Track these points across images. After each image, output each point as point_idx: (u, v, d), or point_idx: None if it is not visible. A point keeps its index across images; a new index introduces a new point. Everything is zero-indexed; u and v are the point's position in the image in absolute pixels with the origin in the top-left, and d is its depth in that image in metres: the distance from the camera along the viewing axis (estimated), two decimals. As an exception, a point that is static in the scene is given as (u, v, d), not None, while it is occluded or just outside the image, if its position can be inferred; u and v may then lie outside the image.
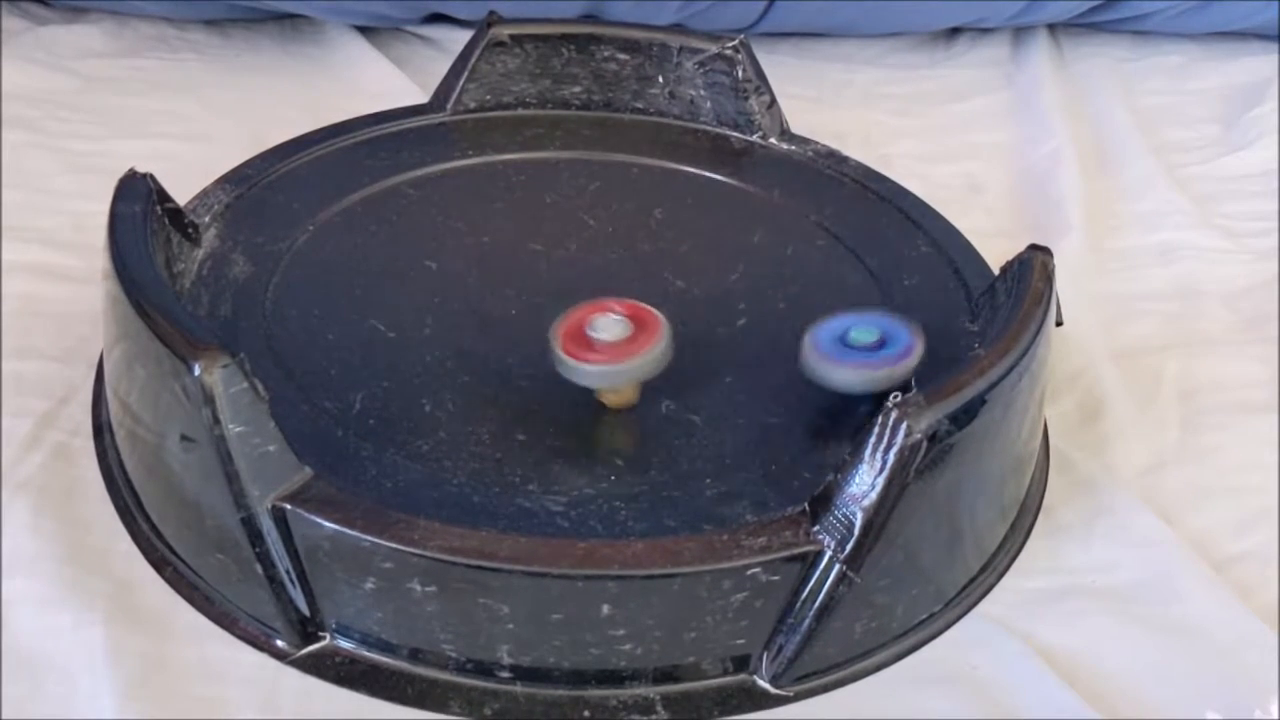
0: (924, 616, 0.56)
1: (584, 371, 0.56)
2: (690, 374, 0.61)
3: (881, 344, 0.58)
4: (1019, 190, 0.85)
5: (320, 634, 0.53)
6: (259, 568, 0.52)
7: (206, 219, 0.66)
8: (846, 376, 0.57)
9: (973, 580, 0.58)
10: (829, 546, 0.51)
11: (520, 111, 0.77)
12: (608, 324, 0.57)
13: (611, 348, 0.56)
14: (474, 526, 0.51)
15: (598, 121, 0.77)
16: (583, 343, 0.56)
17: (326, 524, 0.50)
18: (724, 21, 0.93)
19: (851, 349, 0.57)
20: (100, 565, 0.56)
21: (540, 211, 0.70)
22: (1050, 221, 0.81)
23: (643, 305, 0.58)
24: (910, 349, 0.57)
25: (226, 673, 0.52)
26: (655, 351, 0.56)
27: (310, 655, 0.53)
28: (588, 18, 0.90)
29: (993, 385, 0.54)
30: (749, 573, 0.51)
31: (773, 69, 0.78)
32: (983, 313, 0.64)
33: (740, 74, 0.76)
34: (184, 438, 0.52)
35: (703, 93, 0.77)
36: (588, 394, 0.59)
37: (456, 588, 0.50)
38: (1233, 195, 0.85)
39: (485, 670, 0.52)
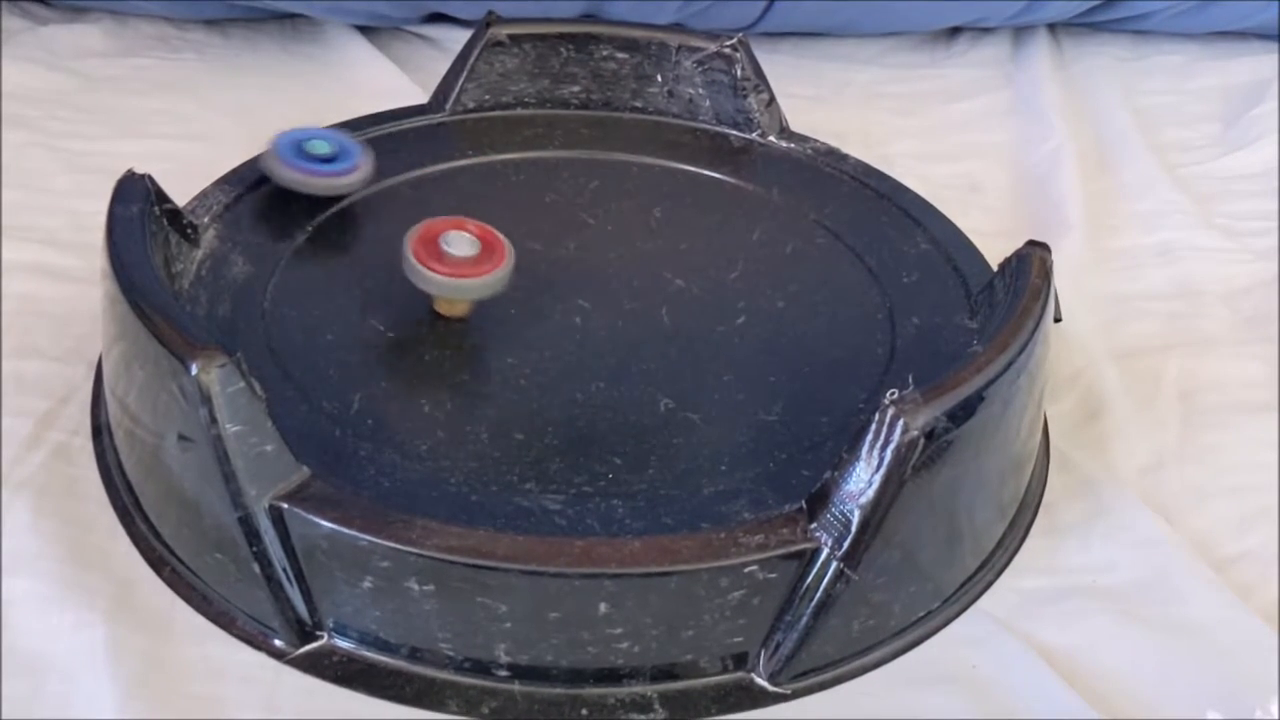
0: (922, 614, 0.56)
1: (428, 279, 0.61)
2: (689, 372, 0.61)
3: (333, 158, 0.66)
4: (1019, 190, 0.85)
5: (318, 633, 0.53)
6: (257, 567, 0.52)
7: (205, 219, 0.66)
8: (292, 177, 0.66)
9: (971, 578, 0.58)
10: (826, 544, 0.51)
11: (519, 111, 0.77)
12: (459, 240, 0.61)
13: (459, 264, 0.61)
14: (472, 525, 0.51)
15: (597, 121, 0.77)
16: (434, 254, 0.61)
17: (324, 523, 0.50)
18: (724, 21, 0.92)
19: (306, 158, 0.66)
20: (100, 565, 0.56)
21: (539, 211, 0.70)
22: (1050, 221, 0.81)
23: (495, 232, 0.62)
24: (356, 166, 0.67)
25: (225, 672, 0.52)
26: (496, 276, 0.61)
27: (308, 654, 0.53)
28: (587, 17, 0.90)
29: (991, 382, 0.54)
30: (746, 571, 0.51)
31: (772, 68, 0.78)
32: (981, 309, 0.64)
33: (739, 72, 0.76)
34: (182, 437, 0.52)
35: (702, 91, 0.77)
36: (587, 393, 0.59)
37: (454, 587, 0.50)
38: (1233, 195, 0.85)
39: (483, 669, 0.52)
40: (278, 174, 0.66)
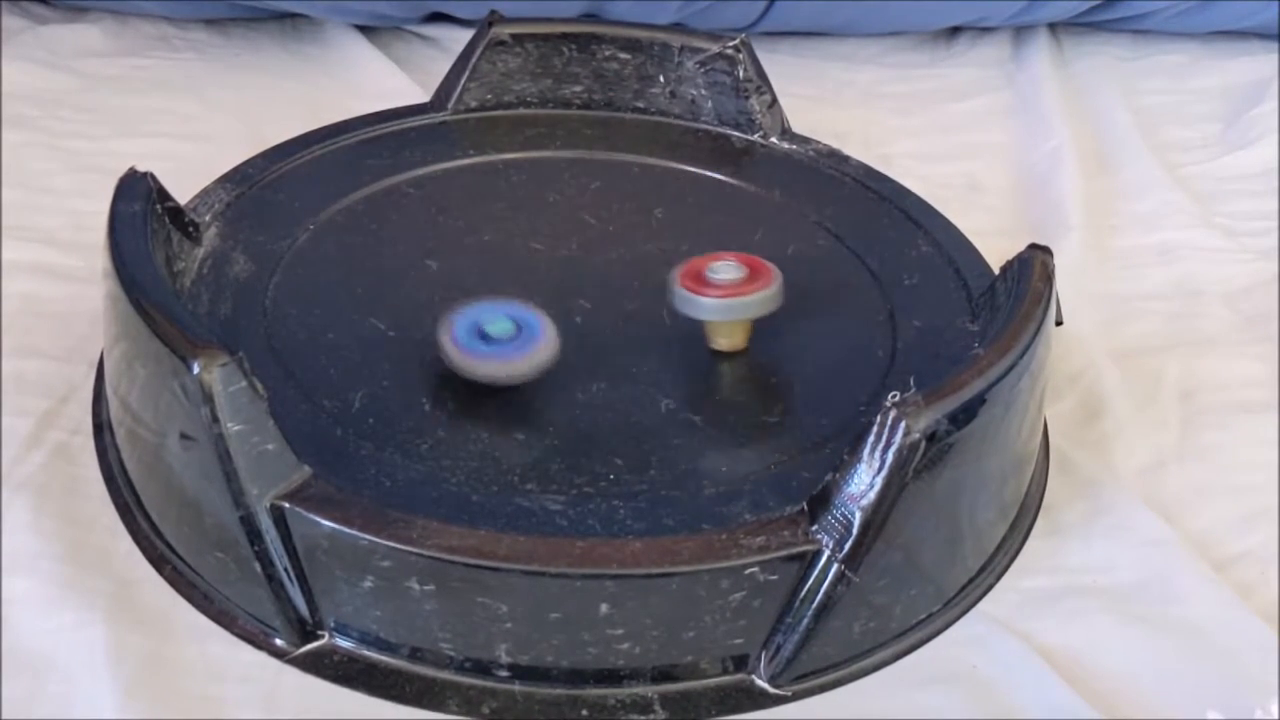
0: (923, 616, 0.56)
1: (701, 304, 0.60)
2: (690, 373, 0.61)
3: (515, 335, 0.59)
4: (1019, 190, 0.85)
5: (319, 632, 0.53)
6: (258, 566, 0.52)
7: (207, 218, 0.66)
8: (475, 367, 0.58)
9: (972, 580, 0.58)
10: (827, 546, 0.51)
11: (521, 111, 0.77)
12: (725, 268, 0.60)
13: (728, 286, 0.60)
14: (472, 525, 0.51)
15: (599, 121, 0.77)
16: (701, 281, 0.60)
17: (325, 523, 0.50)
18: (724, 21, 0.92)
19: (487, 340, 0.58)
20: (101, 564, 0.56)
21: (541, 211, 0.70)
22: (1050, 221, 0.81)
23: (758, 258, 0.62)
24: (541, 340, 0.59)
25: (226, 671, 0.52)
26: (769, 291, 0.60)
27: (309, 654, 0.53)
28: (588, 17, 0.90)
29: (992, 385, 0.54)
30: (747, 572, 0.51)
31: (773, 68, 0.78)
32: (983, 312, 0.64)
33: (741, 73, 0.76)
34: (183, 436, 0.52)
35: (704, 92, 0.77)
36: (589, 394, 0.59)
37: (455, 587, 0.50)
38: (1233, 195, 0.85)
39: (483, 669, 0.52)
40: (458, 364, 0.58)
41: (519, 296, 0.63)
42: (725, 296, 0.60)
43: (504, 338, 0.58)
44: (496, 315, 0.59)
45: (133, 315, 0.54)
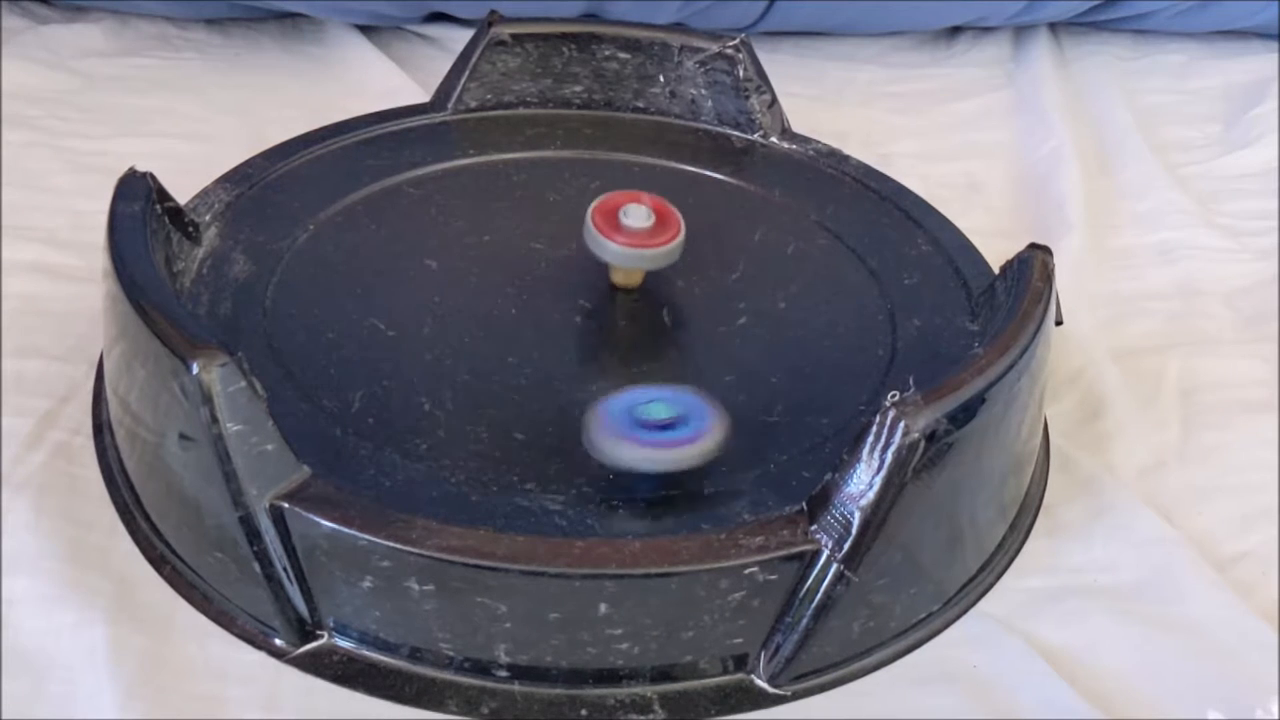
0: (923, 616, 0.56)
1: (606, 248, 0.62)
2: (689, 373, 0.61)
3: (674, 423, 0.53)
4: (1019, 189, 0.85)
5: (318, 632, 0.53)
6: (257, 566, 0.52)
7: (207, 218, 0.66)
8: (633, 455, 0.53)
9: (972, 579, 0.58)
10: (827, 546, 0.51)
11: (521, 111, 0.77)
12: (636, 212, 0.63)
13: (635, 234, 0.62)
14: (472, 525, 0.51)
15: (599, 121, 0.77)
16: (613, 222, 0.62)
17: (324, 523, 0.50)
18: (724, 20, 0.93)
19: (644, 427, 0.53)
20: (101, 564, 0.56)
21: (541, 210, 0.70)
22: (1051, 221, 0.81)
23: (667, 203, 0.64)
24: (709, 427, 0.53)
25: (226, 671, 0.52)
26: (670, 247, 0.63)
27: (308, 654, 0.53)
28: (587, 17, 0.90)
29: (992, 384, 0.54)
30: (746, 572, 0.51)
31: (773, 68, 0.78)
32: (983, 312, 0.64)
33: (741, 73, 0.76)
34: (183, 436, 0.52)
35: (704, 92, 0.77)
36: (589, 393, 0.59)
37: (454, 587, 0.50)
38: (1233, 194, 0.85)
39: (483, 669, 0.52)
40: (612, 454, 0.53)
41: (519, 295, 0.64)
42: (630, 245, 0.62)
43: (665, 422, 0.53)
44: (652, 400, 0.54)
45: (132, 315, 0.54)
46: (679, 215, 0.64)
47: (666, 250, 0.63)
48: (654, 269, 0.64)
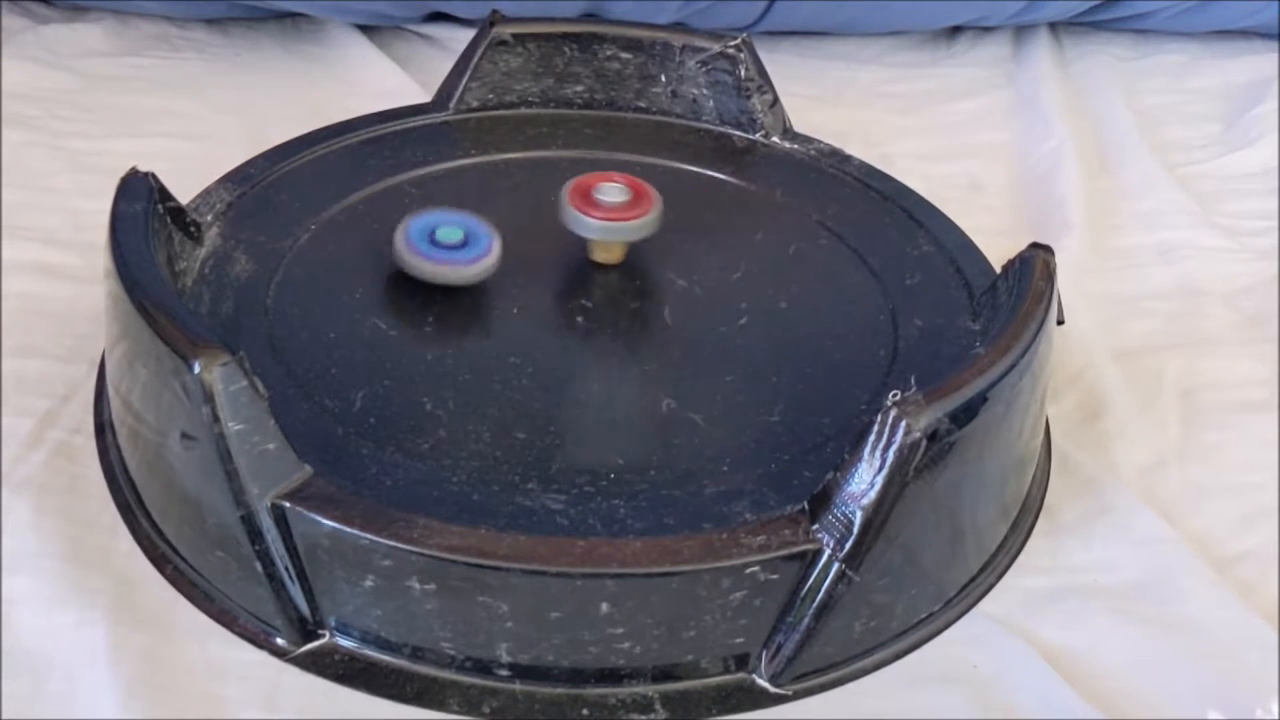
0: (924, 615, 0.56)
1: (585, 223, 0.64)
2: (691, 373, 0.61)
3: (464, 244, 0.64)
4: (1020, 189, 0.85)
5: (320, 632, 0.53)
6: (258, 566, 0.52)
7: (208, 218, 0.66)
8: (423, 267, 0.63)
9: (973, 579, 0.58)
10: (828, 545, 0.51)
11: (523, 110, 0.77)
12: (611, 189, 0.65)
13: (611, 208, 0.64)
14: (473, 525, 0.51)
15: (600, 121, 0.77)
16: (588, 200, 0.65)
17: (326, 522, 0.50)
18: (725, 20, 0.92)
19: (437, 246, 0.64)
20: (101, 563, 0.56)
21: (542, 210, 0.70)
22: (1051, 220, 0.81)
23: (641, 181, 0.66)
24: (487, 252, 0.64)
25: (227, 671, 0.52)
26: (648, 218, 0.65)
27: (310, 653, 0.53)
28: (589, 17, 0.90)
29: (993, 384, 0.54)
30: (748, 571, 0.51)
31: (774, 68, 0.78)
32: (984, 311, 0.64)
33: (743, 73, 0.76)
34: (184, 436, 0.52)
35: (705, 92, 0.77)
36: (589, 393, 0.59)
37: (456, 586, 0.50)
38: (1234, 194, 0.85)
39: (484, 668, 0.52)
40: (408, 264, 0.63)
41: (520, 295, 0.64)
42: (607, 219, 0.64)
43: (453, 244, 0.63)
44: (450, 223, 0.64)
45: (134, 315, 0.54)
46: (654, 191, 0.66)
47: (644, 222, 0.65)
48: (633, 240, 0.65)
